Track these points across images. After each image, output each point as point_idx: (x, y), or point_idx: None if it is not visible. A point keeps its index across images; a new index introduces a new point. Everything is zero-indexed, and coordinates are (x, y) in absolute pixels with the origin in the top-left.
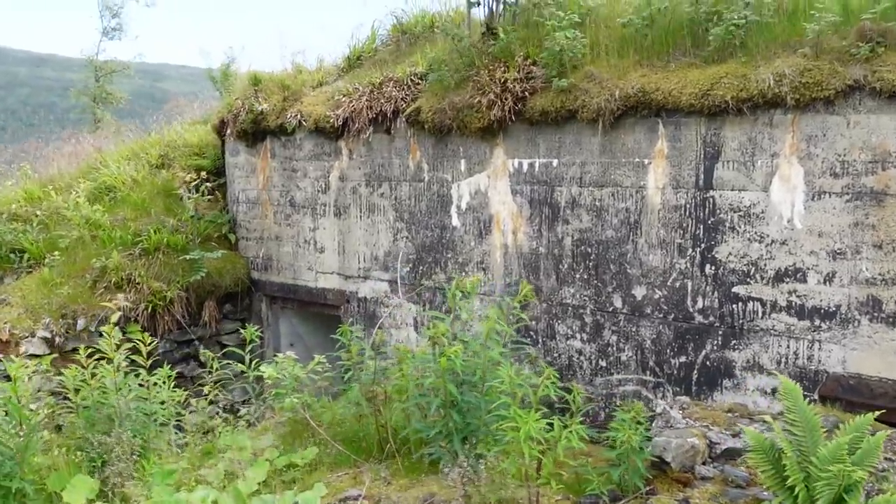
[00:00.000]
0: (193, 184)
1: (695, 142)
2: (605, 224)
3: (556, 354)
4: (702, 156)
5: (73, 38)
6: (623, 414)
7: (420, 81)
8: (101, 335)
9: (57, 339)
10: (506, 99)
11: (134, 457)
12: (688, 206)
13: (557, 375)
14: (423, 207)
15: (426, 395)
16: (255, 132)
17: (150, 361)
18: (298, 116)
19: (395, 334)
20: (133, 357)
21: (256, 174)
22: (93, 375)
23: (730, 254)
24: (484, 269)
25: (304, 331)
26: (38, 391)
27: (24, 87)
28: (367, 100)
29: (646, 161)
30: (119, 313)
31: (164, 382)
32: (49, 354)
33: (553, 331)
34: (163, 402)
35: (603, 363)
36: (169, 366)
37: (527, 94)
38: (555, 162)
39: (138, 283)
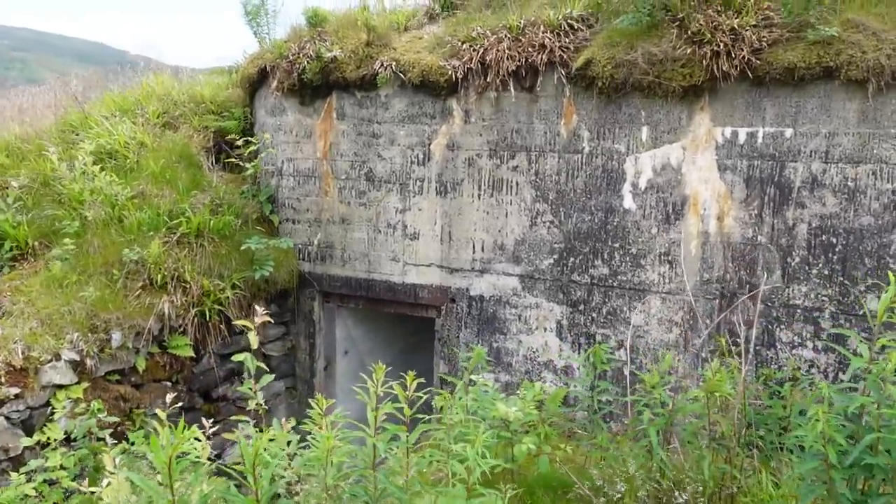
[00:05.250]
0: (245, 151)
1: None
2: (861, 209)
3: (774, 366)
4: None
5: None
6: None
7: (580, 26)
8: (137, 352)
9: (88, 360)
10: (739, 50)
11: None
12: None
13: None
14: (578, 185)
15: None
16: (318, 86)
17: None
18: (392, 66)
19: (526, 341)
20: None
21: (313, 140)
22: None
23: None
24: (669, 263)
25: (358, 334)
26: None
27: None
28: (506, 47)
29: None
30: (253, 332)
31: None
32: (77, 384)
33: (772, 338)
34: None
35: (844, 377)
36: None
37: (764, 44)
38: (788, 132)
39: (186, 282)
